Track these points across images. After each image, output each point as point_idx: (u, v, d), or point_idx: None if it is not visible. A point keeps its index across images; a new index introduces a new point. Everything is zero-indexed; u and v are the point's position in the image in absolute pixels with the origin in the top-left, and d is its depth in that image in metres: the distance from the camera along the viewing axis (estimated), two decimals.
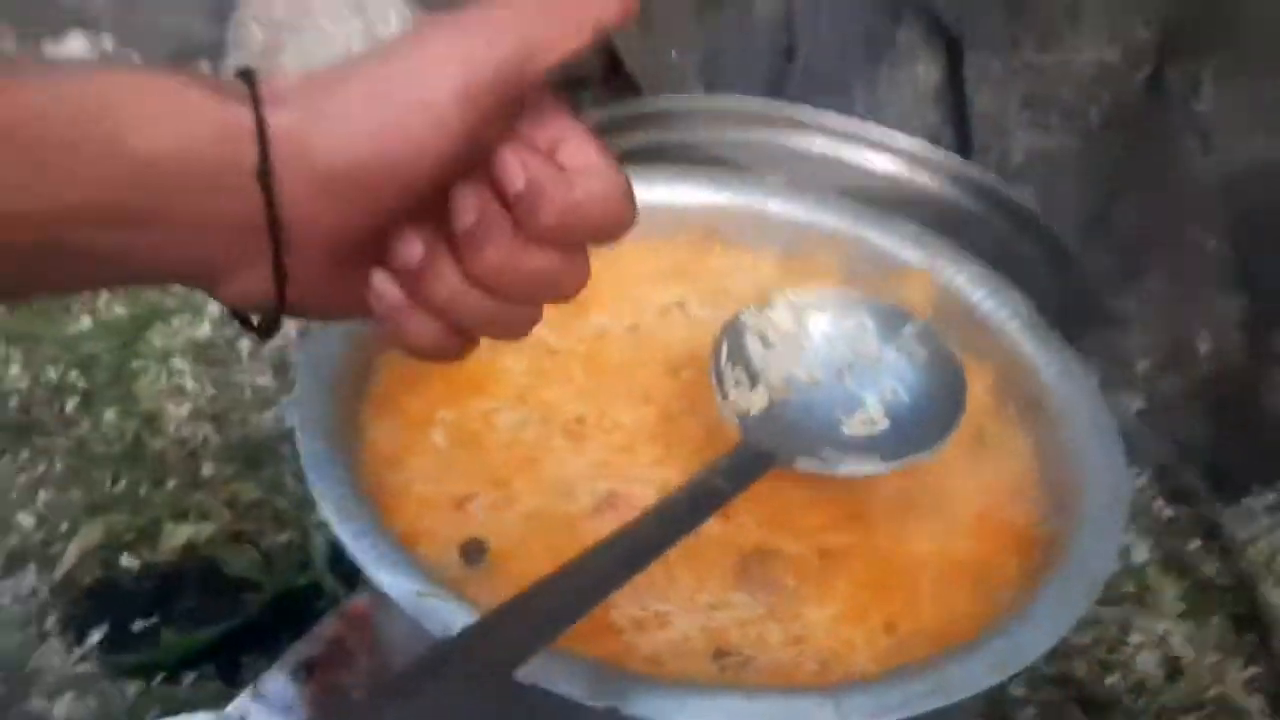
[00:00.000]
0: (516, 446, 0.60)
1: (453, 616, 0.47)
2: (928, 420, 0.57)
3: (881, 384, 0.58)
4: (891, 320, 0.61)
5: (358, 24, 1.31)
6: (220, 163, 0.35)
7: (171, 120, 0.34)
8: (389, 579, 0.49)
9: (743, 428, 0.55)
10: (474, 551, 0.53)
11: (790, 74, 1.03)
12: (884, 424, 0.57)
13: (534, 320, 0.42)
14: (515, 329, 0.41)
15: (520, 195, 0.37)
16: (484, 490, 0.58)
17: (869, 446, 0.56)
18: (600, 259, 0.73)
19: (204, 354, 1.10)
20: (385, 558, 0.50)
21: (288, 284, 0.38)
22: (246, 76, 0.36)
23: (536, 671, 0.46)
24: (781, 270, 0.73)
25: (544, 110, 0.38)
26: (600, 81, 1.25)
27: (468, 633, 0.41)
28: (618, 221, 0.39)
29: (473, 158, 0.37)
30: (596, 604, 0.43)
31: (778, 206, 0.74)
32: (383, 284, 0.39)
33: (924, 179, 0.72)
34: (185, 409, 1.04)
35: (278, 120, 0.35)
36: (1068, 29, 0.88)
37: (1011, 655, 0.49)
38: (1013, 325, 0.66)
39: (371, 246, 0.38)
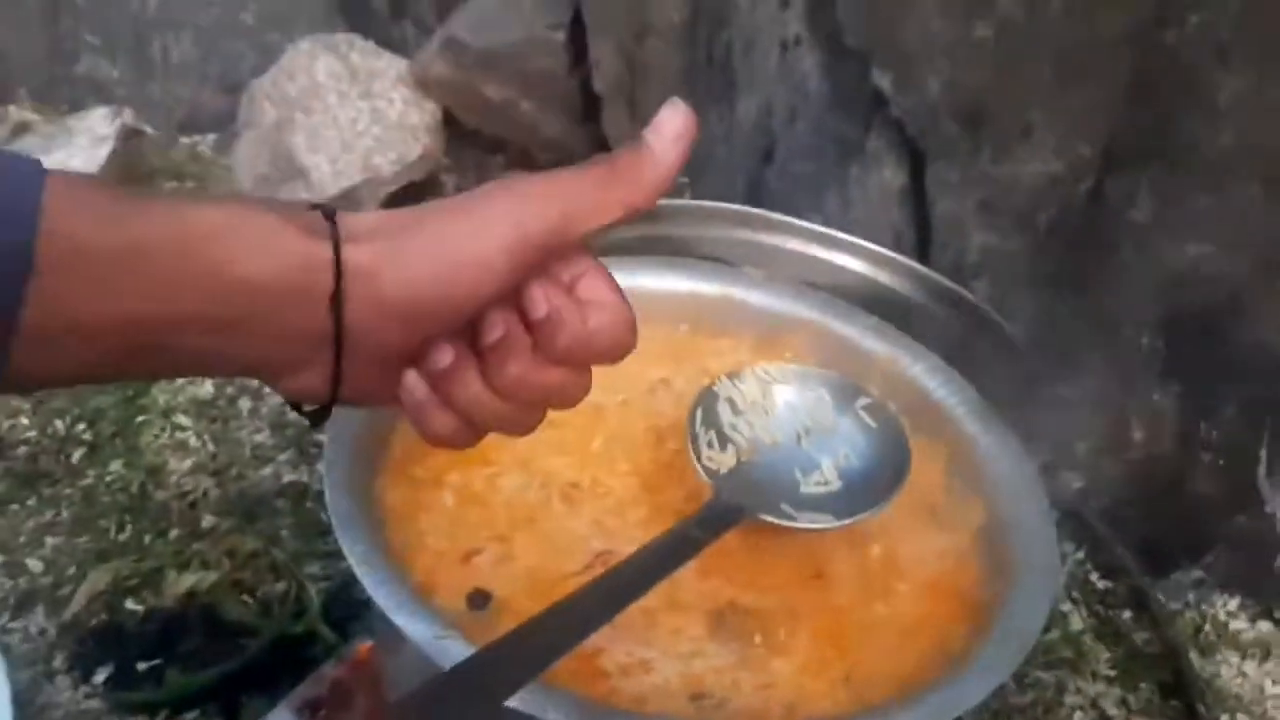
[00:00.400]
0: (518, 507, 0.67)
1: (463, 655, 0.54)
2: (875, 483, 0.65)
3: (835, 449, 0.66)
4: (846, 393, 0.69)
5: (364, 105, 1.39)
6: (303, 288, 0.41)
7: (267, 251, 0.41)
8: (408, 623, 0.55)
9: (714, 484, 0.63)
10: (480, 600, 0.60)
11: (768, 174, 1.11)
12: (837, 484, 0.65)
13: (537, 422, 0.49)
14: (522, 428, 0.48)
15: (541, 322, 0.44)
16: (489, 546, 0.64)
17: (823, 504, 0.64)
18: None
19: (205, 411, 1.15)
20: (405, 605, 0.56)
21: (341, 384, 0.44)
22: (329, 215, 0.43)
23: (535, 705, 0.52)
24: (756, 354, 0.81)
25: (570, 250, 0.45)
26: None
27: (464, 664, 0.47)
28: (621, 348, 0.47)
29: (510, 292, 0.44)
30: (582, 639, 0.49)
31: (755, 297, 0.82)
32: (414, 383, 0.45)
33: (886, 278, 0.80)
34: (187, 463, 1.09)
35: (352, 256, 0.41)
36: (1019, 144, 0.97)
37: (951, 703, 0.56)
38: (961, 411, 0.74)
39: (414, 353, 0.45)
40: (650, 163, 0.44)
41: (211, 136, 1.56)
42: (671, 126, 0.44)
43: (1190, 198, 0.94)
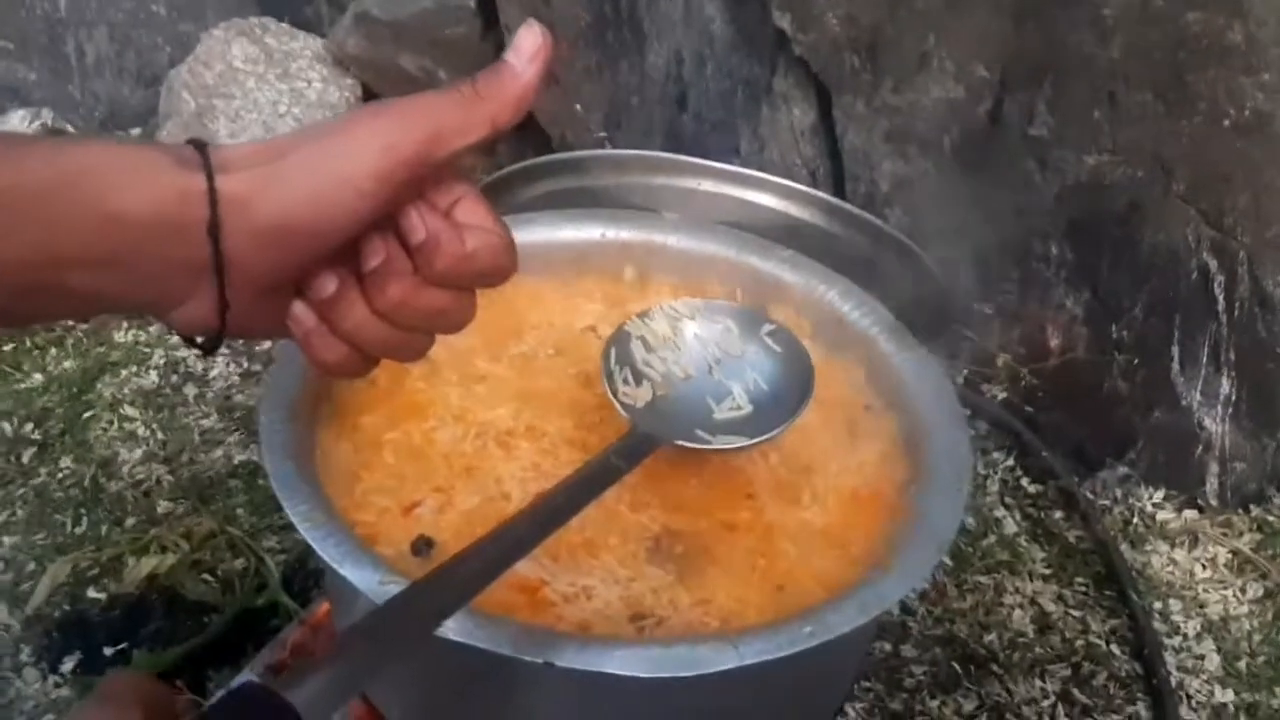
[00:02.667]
0: (456, 458, 0.69)
1: None
2: (784, 402, 0.68)
3: (744, 375, 0.70)
4: (751, 322, 0.72)
5: (284, 87, 1.40)
6: (179, 220, 0.42)
7: (141, 185, 0.41)
8: (354, 572, 0.58)
9: (631, 417, 0.66)
10: (423, 546, 0.63)
11: (683, 120, 1.13)
12: (748, 408, 0.68)
13: (426, 347, 0.49)
14: (410, 354, 0.49)
15: (420, 245, 0.45)
16: (430, 497, 0.67)
17: (737, 427, 0.67)
18: (521, 293, 0.83)
19: (152, 400, 1.16)
20: (349, 555, 0.59)
21: (228, 314, 0.45)
22: (200, 147, 0.43)
23: (481, 634, 0.55)
24: (679, 294, 0.83)
25: (444, 176, 0.46)
26: (511, 134, 1.34)
27: (399, 597, 0.49)
28: (501, 269, 0.47)
29: (385, 216, 0.45)
30: (512, 563, 0.52)
31: (675, 240, 0.85)
32: (301, 312, 0.46)
33: (798, 211, 0.83)
34: (138, 453, 1.11)
35: (226, 185, 0.42)
36: (919, 72, 1.00)
37: (875, 600, 0.60)
38: (875, 330, 0.77)
39: (297, 282, 0.46)
40: (510, 79, 0.45)
41: (135, 131, 1.56)
42: (528, 45, 0.46)
43: (1085, 111, 0.97)
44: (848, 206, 0.81)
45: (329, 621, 0.78)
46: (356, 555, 0.59)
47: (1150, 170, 0.97)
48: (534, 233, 0.83)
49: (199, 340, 0.48)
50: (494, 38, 1.30)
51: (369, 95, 1.39)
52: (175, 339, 1.23)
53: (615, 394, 0.67)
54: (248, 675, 0.76)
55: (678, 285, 0.84)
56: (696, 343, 0.71)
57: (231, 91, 1.37)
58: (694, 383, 0.69)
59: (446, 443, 0.70)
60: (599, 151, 0.91)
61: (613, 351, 0.69)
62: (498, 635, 0.55)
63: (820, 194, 0.81)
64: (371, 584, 0.57)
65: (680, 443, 0.65)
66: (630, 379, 0.68)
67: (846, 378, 0.76)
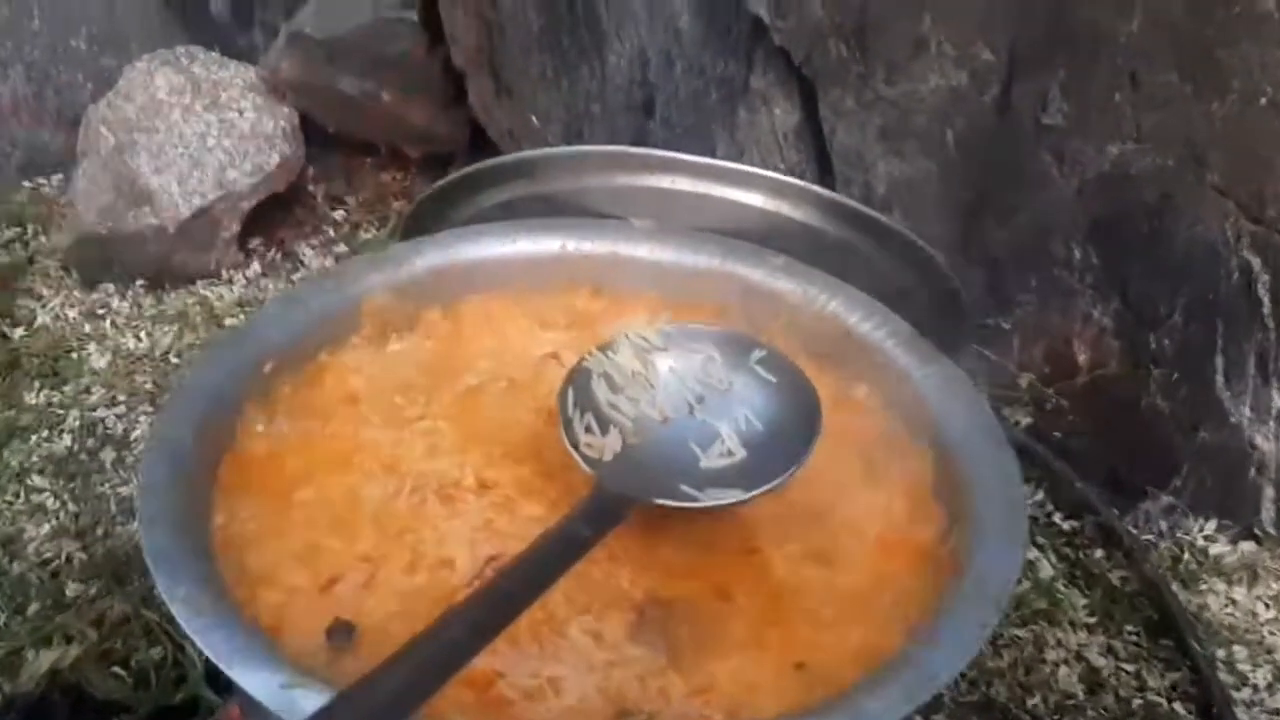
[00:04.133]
0: (386, 519, 0.56)
1: (318, 705, 0.43)
2: (786, 442, 0.56)
3: (734, 413, 0.58)
4: (737, 349, 0.60)
5: (212, 118, 1.28)
6: None
7: None
8: (245, 675, 0.45)
9: (597, 473, 0.53)
10: (341, 633, 0.49)
11: (650, 127, 1.02)
12: (741, 453, 0.56)
13: None
14: None
15: None
16: (352, 568, 0.54)
17: (729, 477, 0.55)
18: (469, 316, 0.70)
19: (64, 468, 1.03)
20: (241, 651, 0.45)
21: None
22: None
23: None
24: (655, 313, 0.71)
25: None
26: (464, 154, 1.23)
27: (322, 712, 0.37)
28: None
29: None
30: (453, 673, 0.41)
31: (646, 251, 0.72)
32: None
33: (789, 209, 0.71)
34: (46, 528, 0.97)
35: None
36: (915, 59, 0.89)
37: (922, 681, 0.47)
38: (890, 343, 0.65)
39: None
40: None
41: (57, 177, 1.44)
42: None
43: (1104, 95, 0.87)
44: (848, 202, 0.69)
45: None
46: (250, 651, 0.45)
47: (1180, 158, 0.86)
48: (483, 247, 0.71)
49: None
50: (440, 53, 1.18)
51: (307, 124, 1.27)
52: (94, 398, 1.10)
53: (576, 446, 0.54)
54: None
55: (654, 302, 0.71)
56: (673, 378, 0.59)
57: (154, 125, 1.25)
58: (673, 426, 0.57)
59: (375, 500, 0.57)
60: (553, 150, 0.79)
61: (570, 394, 0.57)
62: None
63: (816, 188, 0.69)
64: (269, 689, 0.44)
65: (660, 501, 0.53)
66: (594, 426, 0.56)
67: (859, 402, 0.64)
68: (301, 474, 0.58)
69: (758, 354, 0.60)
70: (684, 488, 0.54)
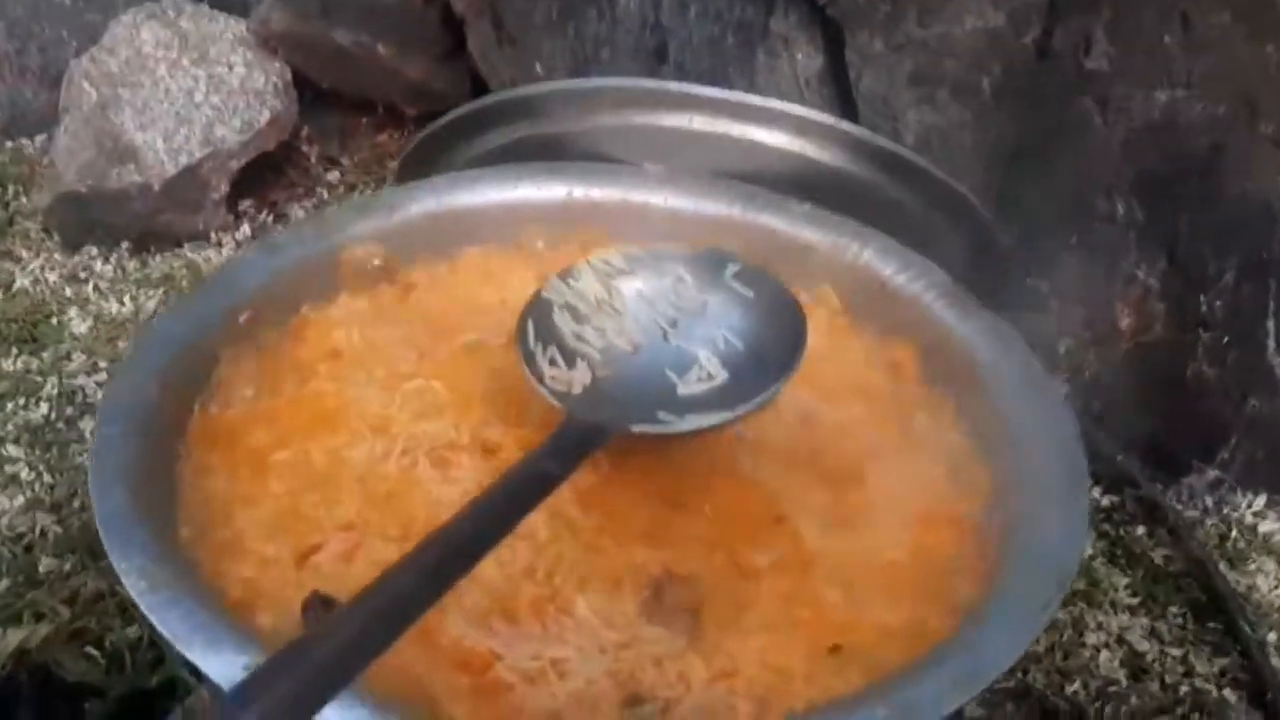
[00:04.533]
0: (373, 482, 0.51)
1: None
2: (769, 359, 0.51)
3: (711, 334, 0.53)
4: (710, 266, 0.55)
5: (201, 73, 1.22)
6: None
7: None
8: (205, 657, 0.39)
9: (566, 407, 0.48)
10: (319, 610, 0.43)
11: (663, 74, 0.96)
12: (722, 375, 0.51)
13: None
14: None
15: None
16: (334, 537, 0.48)
17: (710, 401, 0.50)
18: (466, 269, 0.65)
19: (39, 438, 0.98)
20: (202, 629, 0.40)
21: None
22: None
23: None
24: None
25: None
26: (467, 97, 1.17)
27: (245, 683, 0.31)
28: None
29: None
30: (404, 629, 0.36)
31: (660, 199, 0.66)
32: None
33: (815, 150, 0.65)
34: (20, 500, 0.92)
35: None
36: None
37: (974, 669, 0.41)
38: (930, 297, 0.59)
39: None
40: None
41: (41, 137, 1.38)
42: None
43: (1152, 37, 0.81)
44: (880, 141, 0.63)
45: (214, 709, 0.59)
46: (212, 629, 0.40)
47: (1233, 106, 0.80)
48: (482, 193, 0.65)
49: None
50: (438, 1, 1.12)
51: (300, 79, 1.21)
52: (74, 365, 1.05)
53: (541, 380, 0.49)
54: None
55: None
56: (641, 303, 0.54)
57: (139, 80, 1.18)
58: (645, 354, 0.53)
59: (361, 463, 0.51)
60: (559, 84, 0.72)
61: (530, 326, 0.52)
62: None
63: (845, 125, 0.63)
64: (232, 673, 0.38)
65: (638, 428, 0.48)
66: (560, 359, 0.51)
67: (896, 358, 0.58)
68: (279, 435, 0.52)
69: (732, 269, 0.55)
70: (662, 414, 0.49)
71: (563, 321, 0.53)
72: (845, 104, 0.89)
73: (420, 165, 0.69)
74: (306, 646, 0.33)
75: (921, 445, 0.54)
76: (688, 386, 0.51)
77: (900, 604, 0.47)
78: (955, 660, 0.41)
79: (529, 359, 0.51)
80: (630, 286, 0.55)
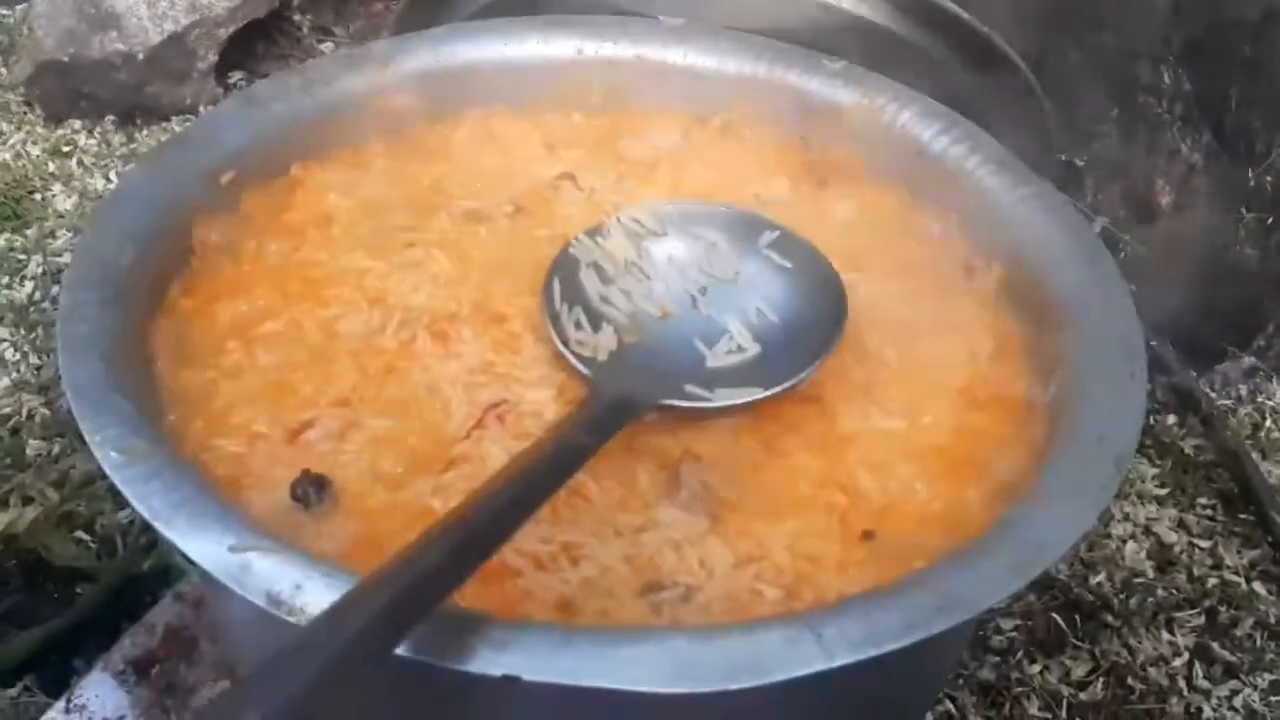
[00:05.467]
0: (368, 356, 0.47)
1: (278, 574, 0.34)
2: (806, 335, 0.48)
3: (743, 305, 0.50)
4: (746, 231, 0.52)
5: None
6: None
7: None
8: (189, 535, 0.35)
9: (593, 376, 0.45)
10: (310, 489, 0.40)
11: None
12: (754, 349, 0.48)
13: None
14: None
15: None
16: (327, 413, 0.44)
17: (742, 375, 0.47)
18: (467, 130, 0.60)
19: (25, 317, 0.94)
20: (184, 506, 0.36)
21: None
22: None
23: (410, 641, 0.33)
24: (686, 132, 0.60)
25: None
26: None
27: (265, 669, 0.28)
28: None
29: None
30: (431, 609, 0.33)
31: (678, 55, 0.61)
32: None
33: (848, 4, 0.59)
34: (5, 381, 0.88)
35: None
36: None
37: (1033, 550, 0.38)
38: (974, 162, 0.55)
39: None
40: None
41: (21, 5, 1.31)
42: None
43: None
44: None
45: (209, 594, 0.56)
46: (194, 506, 0.36)
47: None
48: (483, 47, 0.60)
49: None
50: None
51: None
52: (58, 243, 1.00)
53: (566, 344, 0.46)
54: (102, 676, 0.54)
55: (686, 118, 0.60)
56: (672, 267, 0.51)
57: None
58: (674, 322, 0.49)
59: (356, 335, 0.47)
60: None
61: (556, 285, 0.49)
62: (426, 631, 0.33)
63: None
64: (216, 554, 0.35)
65: (666, 402, 0.45)
66: (584, 322, 0.47)
67: (936, 230, 0.54)
68: (267, 305, 0.48)
69: (768, 236, 0.52)
70: (691, 388, 0.45)
71: (589, 281, 0.50)
72: None
73: (419, 19, 0.63)
74: (334, 623, 0.31)
75: (965, 320, 0.50)
76: (717, 359, 0.47)
77: (941, 487, 0.44)
78: (1009, 544, 0.38)
79: (554, 320, 0.48)
80: (661, 249, 0.51)
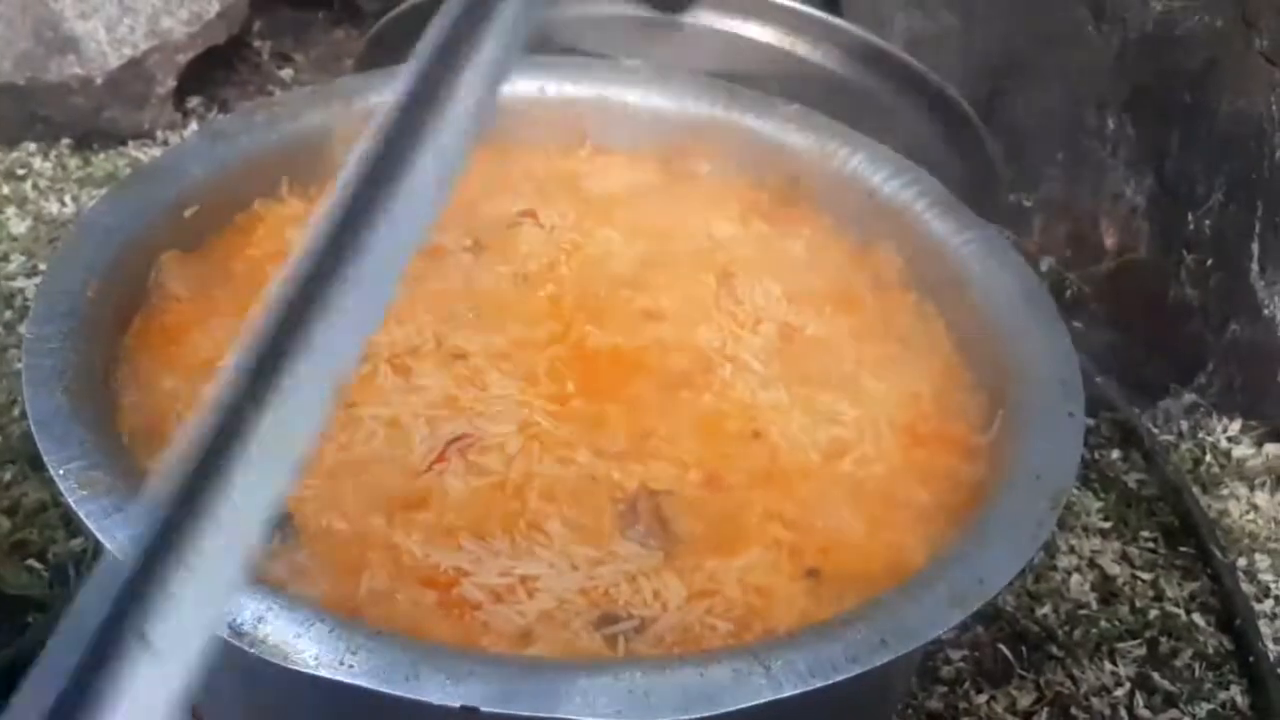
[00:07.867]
0: None
1: (240, 606, 0.35)
2: None
3: None
4: None
5: None
6: None
7: None
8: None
9: None
10: (277, 527, 0.40)
11: None
12: None
13: None
14: None
15: None
16: None
17: None
18: None
19: None
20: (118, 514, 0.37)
21: None
22: None
23: (362, 662, 0.33)
24: (646, 169, 0.62)
25: None
26: None
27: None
28: None
29: None
30: None
31: (638, 97, 0.63)
32: None
33: (804, 50, 0.61)
34: None
35: None
36: None
37: (974, 585, 0.39)
38: (921, 205, 0.56)
39: None
40: None
41: None
42: None
43: None
44: (875, 41, 0.60)
45: None
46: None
47: (1230, 19, 0.77)
48: None
49: None
50: None
51: None
52: (12, 266, 1.00)
53: None
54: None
55: (646, 157, 0.62)
56: None
57: None
58: None
59: None
60: None
61: None
62: (388, 663, 0.34)
63: (838, 22, 0.59)
64: None
65: None
66: None
67: (882, 269, 0.55)
68: (227, 338, 0.49)
69: None
70: None
71: None
72: (830, 8, 0.86)
73: (382, 54, 0.64)
74: None
75: (909, 359, 0.52)
76: None
77: (884, 522, 0.45)
78: (949, 578, 0.39)
79: None
80: None
